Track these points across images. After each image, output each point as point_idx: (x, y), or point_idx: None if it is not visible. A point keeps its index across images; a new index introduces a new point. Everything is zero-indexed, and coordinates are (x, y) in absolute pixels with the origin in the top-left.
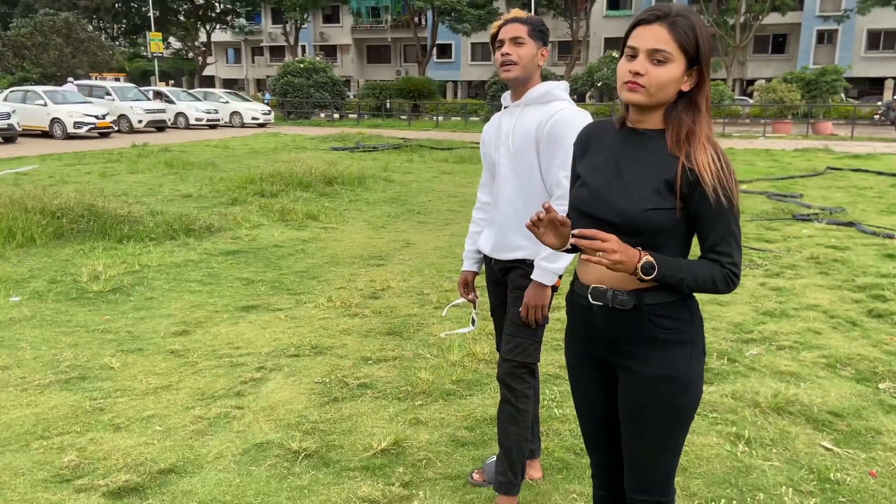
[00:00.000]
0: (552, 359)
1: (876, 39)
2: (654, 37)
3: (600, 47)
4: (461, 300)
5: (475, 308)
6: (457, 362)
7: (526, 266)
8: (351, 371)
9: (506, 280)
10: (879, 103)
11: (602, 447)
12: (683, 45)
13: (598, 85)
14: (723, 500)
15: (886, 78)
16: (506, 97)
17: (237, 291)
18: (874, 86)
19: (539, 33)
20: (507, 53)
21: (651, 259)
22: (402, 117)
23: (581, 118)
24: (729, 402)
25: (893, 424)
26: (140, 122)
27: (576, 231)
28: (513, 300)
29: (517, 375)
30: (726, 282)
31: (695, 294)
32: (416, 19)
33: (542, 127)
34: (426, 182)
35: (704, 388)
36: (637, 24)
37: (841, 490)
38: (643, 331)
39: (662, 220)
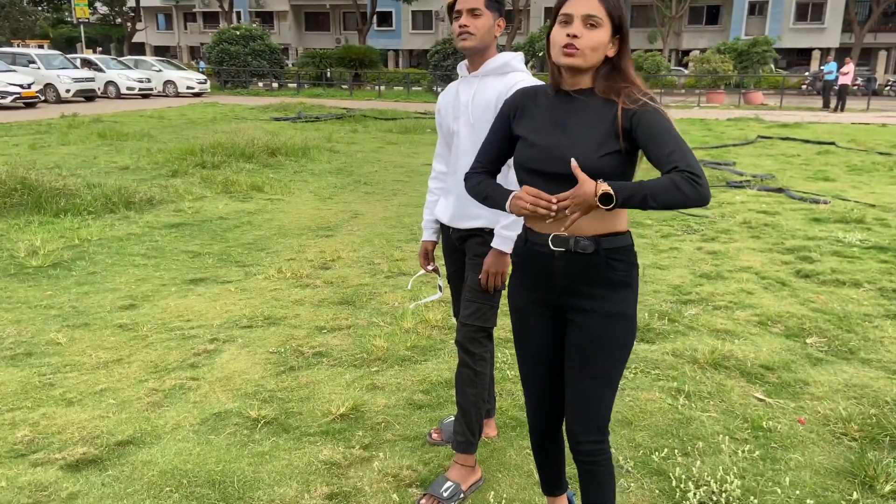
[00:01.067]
0: (503, 323)
1: (804, 11)
2: (588, 4)
3: (541, 17)
4: (422, 272)
5: (440, 275)
6: (410, 329)
7: (485, 234)
8: (305, 340)
9: (463, 248)
10: (807, 74)
11: (543, 390)
12: (611, 12)
13: (540, 55)
14: (665, 450)
15: (813, 49)
16: (461, 67)
17: (183, 264)
18: (802, 56)
19: (496, 4)
20: (465, 25)
21: (607, 188)
22: (344, 87)
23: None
24: (670, 360)
25: (819, 376)
26: (68, 91)
27: (521, 191)
28: (471, 267)
29: (475, 339)
30: (690, 184)
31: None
32: None
33: (502, 97)
34: (371, 153)
35: (647, 347)
36: None
37: (773, 437)
38: (601, 273)
39: (613, 163)
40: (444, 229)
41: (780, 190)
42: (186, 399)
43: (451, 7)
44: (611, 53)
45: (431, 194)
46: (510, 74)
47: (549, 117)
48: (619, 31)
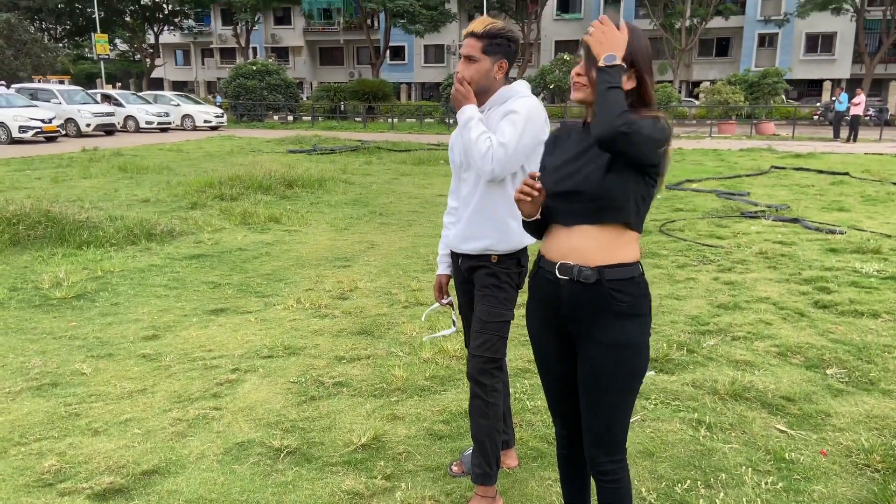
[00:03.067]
0: (521, 353)
1: (814, 43)
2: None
3: (551, 49)
4: (436, 305)
5: (454, 309)
6: (429, 359)
7: (492, 264)
8: (325, 370)
9: (472, 279)
10: (818, 104)
11: (563, 410)
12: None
13: (551, 87)
14: (688, 481)
15: (824, 80)
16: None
17: (204, 295)
18: (813, 87)
19: (496, 46)
20: (457, 72)
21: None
22: (357, 119)
23: (537, 107)
24: (690, 391)
25: (841, 407)
26: (88, 125)
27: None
28: (480, 298)
29: (486, 371)
30: (622, 119)
31: (644, 273)
32: (369, 21)
33: (499, 115)
34: (386, 184)
35: (667, 378)
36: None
37: (795, 468)
38: (603, 303)
39: (619, 181)
40: (454, 258)
41: (795, 220)
42: (210, 429)
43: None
44: (627, 86)
45: (446, 229)
46: (510, 100)
47: (574, 147)
48: (631, 65)
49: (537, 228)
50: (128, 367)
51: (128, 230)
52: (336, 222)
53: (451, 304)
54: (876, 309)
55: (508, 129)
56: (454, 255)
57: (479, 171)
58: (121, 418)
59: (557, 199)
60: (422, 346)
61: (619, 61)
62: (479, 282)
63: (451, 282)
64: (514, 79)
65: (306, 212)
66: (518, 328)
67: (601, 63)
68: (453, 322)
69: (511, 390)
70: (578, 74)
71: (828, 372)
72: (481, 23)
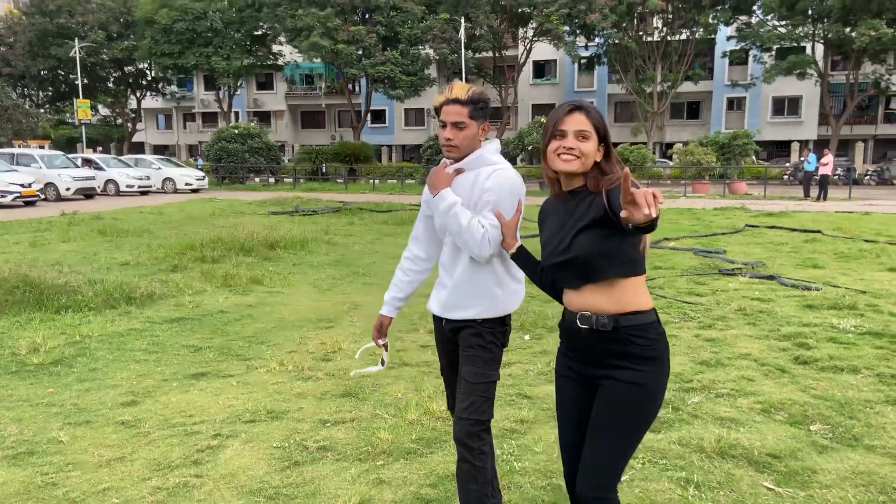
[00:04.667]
0: (508, 413)
1: (781, 106)
2: (579, 121)
3: (528, 112)
4: (372, 344)
5: (386, 351)
6: (415, 420)
7: (478, 325)
8: (309, 434)
9: (456, 339)
10: (787, 165)
11: (575, 447)
12: (596, 125)
13: (529, 149)
14: None
15: (792, 141)
16: (444, 161)
17: (185, 359)
18: (781, 148)
19: (481, 111)
20: (449, 138)
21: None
22: (339, 181)
23: (513, 178)
24: (676, 449)
25: (826, 464)
26: (68, 189)
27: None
28: (465, 359)
29: (473, 434)
30: None
31: (660, 319)
32: (350, 86)
33: (474, 191)
34: (368, 244)
35: (653, 436)
36: (564, 114)
37: None
38: (621, 348)
39: (603, 241)
40: (436, 322)
41: (771, 277)
42: (191, 497)
43: (437, 109)
44: (598, 158)
45: (403, 273)
46: (484, 169)
47: (560, 219)
48: (603, 140)
49: (525, 265)
50: (106, 434)
51: (107, 294)
52: (319, 283)
53: (385, 346)
54: (855, 364)
55: (486, 220)
56: (436, 318)
57: (477, 257)
58: (99, 487)
59: (557, 270)
60: (407, 406)
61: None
62: (463, 342)
63: (427, 339)
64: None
65: (289, 273)
66: (504, 387)
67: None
68: (382, 360)
69: (498, 451)
70: (570, 149)
71: (812, 428)
72: (462, 89)
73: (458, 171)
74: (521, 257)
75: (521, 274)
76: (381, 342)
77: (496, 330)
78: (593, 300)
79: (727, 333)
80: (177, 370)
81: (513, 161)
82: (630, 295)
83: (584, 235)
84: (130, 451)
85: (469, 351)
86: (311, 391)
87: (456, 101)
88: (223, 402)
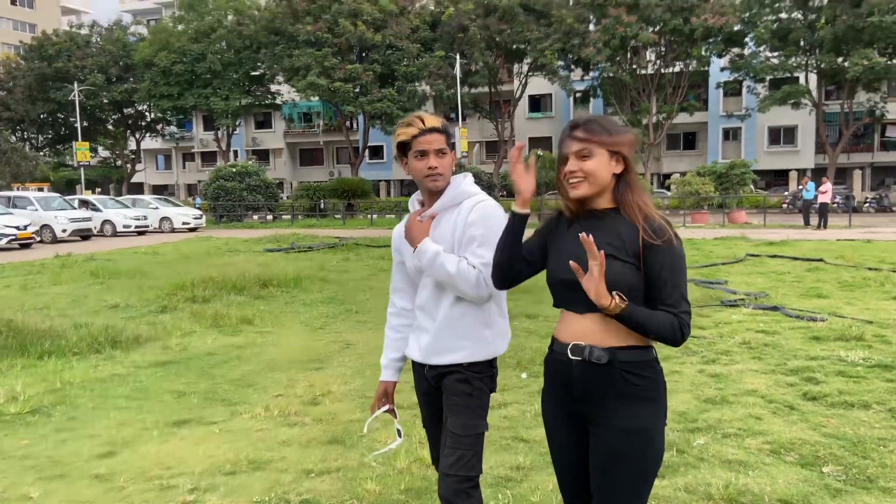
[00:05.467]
0: (503, 460)
1: (777, 135)
2: (576, 140)
3: (525, 146)
4: (380, 411)
5: (396, 418)
6: (404, 469)
7: (463, 370)
8: (292, 486)
9: (440, 386)
10: (786, 193)
11: (575, 494)
12: (597, 140)
13: None
14: None
15: (790, 170)
16: (413, 201)
17: (167, 406)
18: (779, 177)
19: (451, 140)
20: (435, 167)
21: (621, 307)
22: (337, 216)
23: (496, 209)
24: (683, 497)
25: None
26: (64, 231)
27: (585, 236)
28: (450, 408)
29: (461, 491)
30: (679, 329)
31: (658, 358)
32: (348, 123)
33: (458, 229)
34: (363, 280)
35: (658, 482)
36: (564, 136)
37: None
38: (615, 385)
39: (625, 276)
40: (417, 369)
41: (775, 308)
42: None
43: (401, 145)
44: (618, 170)
45: (394, 331)
46: (465, 203)
47: (573, 238)
48: (615, 152)
49: (516, 233)
50: (79, 489)
51: (92, 338)
52: (311, 322)
53: (392, 411)
54: (866, 399)
55: (486, 251)
56: (416, 364)
57: (475, 300)
58: None
59: (567, 287)
60: (396, 455)
61: (625, 311)
62: (448, 389)
63: (408, 389)
64: (489, 174)
65: (280, 312)
66: (498, 429)
67: (622, 307)
68: (398, 432)
69: (492, 503)
70: (571, 172)
71: (824, 470)
72: (435, 119)
73: (432, 217)
74: (520, 225)
75: (506, 311)
76: (385, 409)
77: (484, 374)
78: (591, 330)
79: (732, 368)
80: (158, 418)
81: (510, 194)
82: (630, 330)
83: (609, 261)
84: None
85: (454, 399)
86: (296, 438)
87: (434, 129)
88: (204, 451)
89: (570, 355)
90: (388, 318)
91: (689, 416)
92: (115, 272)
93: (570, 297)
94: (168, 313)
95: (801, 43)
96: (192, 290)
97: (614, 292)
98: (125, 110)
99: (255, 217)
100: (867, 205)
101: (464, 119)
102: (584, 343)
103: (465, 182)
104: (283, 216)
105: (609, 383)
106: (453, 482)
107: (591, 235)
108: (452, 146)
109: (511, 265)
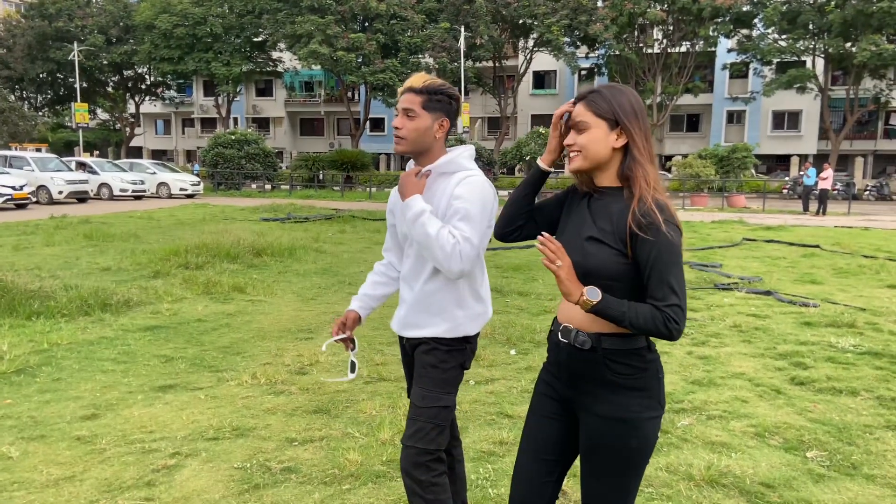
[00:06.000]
0: (486, 434)
1: (780, 120)
2: (577, 113)
3: (528, 123)
4: (334, 339)
5: (353, 350)
6: (387, 441)
7: (434, 342)
8: (274, 454)
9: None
10: (787, 179)
11: (534, 483)
12: (596, 111)
13: (527, 159)
14: None
15: (791, 155)
16: (411, 162)
17: (154, 370)
18: (781, 162)
19: (437, 104)
20: (397, 127)
21: (595, 287)
22: (336, 188)
23: (485, 187)
24: (664, 476)
25: (823, 494)
26: (61, 192)
27: (545, 236)
28: (416, 379)
29: (420, 464)
30: (665, 324)
31: (654, 347)
32: (350, 94)
33: (444, 198)
34: (358, 252)
35: None
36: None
37: None
38: (598, 372)
39: (611, 263)
40: (400, 339)
41: (768, 293)
42: None
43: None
44: (618, 145)
45: (375, 274)
46: (456, 174)
47: (580, 215)
48: (617, 124)
49: (533, 185)
50: (59, 450)
51: (82, 300)
52: (303, 292)
53: (349, 341)
54: (854, 386)
55: (466, 225)
56: (400, 336)
57: (446, 272)
58: None
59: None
60: (380, 425)
61: (593, 302)
62: (418, 361)
63: (393, 360)
64: (490, 151)
65: (273, 281)
66: (483, 404)
67: (593, 302)
68: (351, 365)
69: (473, 476)
70: (568, 145)
71: (808, 455)
72: (420, 78)
73: (427, 175)
74: (537, 179)
75: (486, 294)
76: (340, 337)
77: (454, 349)
78: (579, 312)
79: (721, 351)
80: (144, 382)
81: (511, 171)
82: None
83: (597, 247)
84: (82, 470)
85: (423, 371)
86: (281, 406)
87: (410, 89)
88: (187, 416)
89: (559, 337)
90: (376, 265)
91: (675, 397)
92: (109, 235)
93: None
94: (160, 278)
95: (810, 26)
96: (186, 257)
97: (585, 288)
98: (125, 72)
99: (254, 186)
100: (867, 192)
101: (466, 94)
102: (573, 326)
103: (463, 154)
104: (282, 186)
105: (592, 369)
106: (412, 454)
107: (578, 228)
108: (440, 109)
109: (515, 216)
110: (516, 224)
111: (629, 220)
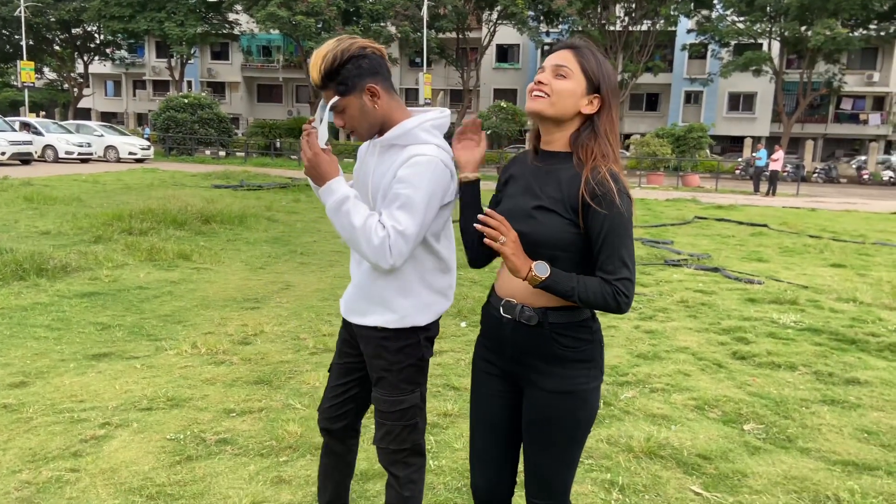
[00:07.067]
0: (432, 406)
1: (736, 101)
2: (560, 56)
3: (490, 96)
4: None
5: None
6: None
7: (376, 333)
8: (210, 425)
9: (357, 341)
10: (740, 160)
11: (492, 462)
12: (584, 66)
13: (488, 132)
14: None
15: (745, 137)
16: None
17: (89, 338)
18: (735, 143)
19: (352, 79)
20: (342, 125)
21: (543, 262)
22: (293, 157)
23: (437, 168)
24: (604, 448)
25: (758, 466)
26: (3, 154)
27: (487, 211)
28: (374, 379)
29: (397, 461)
30: (614, 297)
31: (596, 316)
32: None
33: (388, 175)
34: (311, 222)
35: None
36: (551, 52)
37: None
38: (545, 347)
39: (561, 232)
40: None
41: (716, 269)
42: (61, 494)
43: None
44: (586, 110)
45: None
46: (407, 148)
47: (524, 180)
48: (596, 90)
49: (469, 203)
50: None
51: (16, 264)
52: (252, 261)
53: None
54: (793, 361)
55: (404, 215)
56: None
57: (373, 267)
58: None
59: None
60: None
61: (541, 278)
62: (367, 359)
63: (330, 331)
64: (453, 124)
65: (220, 249)
66: (432, 377)
67: (541, 278)
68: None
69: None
70: (539, 83)
71: (745, 427)
72: (314, 66)
73: (329, 146)
74: (471, 193)
75: (442, 282)
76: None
77: (405, 342)
78: (524, 287)
79: (667, 325)
80: (77, 350)
81: None
82: None
83: (546, 216)
84: (6, 439)
85: (374, 374)
86: (221, 377)
87: (316, 84)
88: (120, 386)
89: (501, 312)
90: None
91: (620, 370)
92: (50, 198)
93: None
94: (101, 244)
95: (768, 9)
96: (129, 222)
97: (534, 263)
98: (73, 30)
99: (207, 152)
100: (816, 175)
101: (429, 64)
102: (516, 301)
103: (422, 125)
104: (237, 153)
105: (540, 344)
106: (386, 454)
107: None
108: (355, 83)
109: (475, 243)
110: (481, 251)
111: (581, 188)
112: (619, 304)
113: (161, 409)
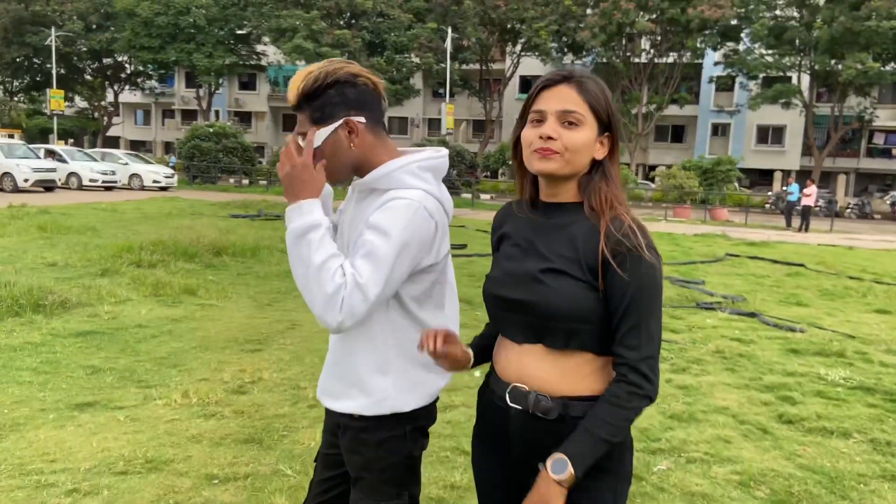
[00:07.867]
0: (437, 475)
1: (765, 134)
2: (564, 98)
3: (513, 127)
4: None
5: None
6: None
7: (352, 424)
8: (188, 494)
9: (337, 433)
10: (770, 193)
11: None
12: (594, 106)
13: (510, 163)
14: None
15: (775, 170)
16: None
17: (76, 383)
18: (764, 177)
19: (329, 107)
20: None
21: (559, 458)
22: None
23: (417, 216)
24: None
25: None
26: (26, 181)
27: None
28: (353, 479)
29: None
30: (629, 398)
31: None
32: None
33: (360, 222)
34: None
35: None
36: (542, 88)
37: None
38: None
39: (579, 300)
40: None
41: (752, 314)
42: None
43: None
44: (599, 155)
45: None
46: (388, 192)
47: (524, 235)
48: (607, 129)
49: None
50: None
51: (13, 299)
52: (259, 297)
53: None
54: (846, 427)
55: (367, 266)
56: None
57: (319, 320)
58: None
59: (501, 306)
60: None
61: (563, 479)
62: (345, 455)
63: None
64: (474, 154)
65: (229, 283)
66: (437, 437)
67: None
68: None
69: None
70: (548, 138)
71: None
72: (296, 80)
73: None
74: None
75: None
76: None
77: (387, 434)
78: (536, 368)
79: (703, 380)
80: (61, 397)
81: (494, 175)
82: (590, 374)
83: (558, 280)
84: None
85: (354, 472)
86: (209, 433)
87: (293, 106)
88: (98, 443)
89: (508, 401)
90: None
91: (651, 435)
92: (64, 227)
93: (505, 318)
94: (107, 277)
95: (797, 42)
96: (139, 254)
97: (548, 463)
98: (104, 60)
99: (231, 180)
100: (849, 210)
101: (452, 95)
102: (528, 388)
103: (407, 166)
104: (260, 182)
105: (558, 444)
106: None
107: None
108: (332, 112)
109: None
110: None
111: (602, 243)
112: (649, 394)
113: (137, 472)
